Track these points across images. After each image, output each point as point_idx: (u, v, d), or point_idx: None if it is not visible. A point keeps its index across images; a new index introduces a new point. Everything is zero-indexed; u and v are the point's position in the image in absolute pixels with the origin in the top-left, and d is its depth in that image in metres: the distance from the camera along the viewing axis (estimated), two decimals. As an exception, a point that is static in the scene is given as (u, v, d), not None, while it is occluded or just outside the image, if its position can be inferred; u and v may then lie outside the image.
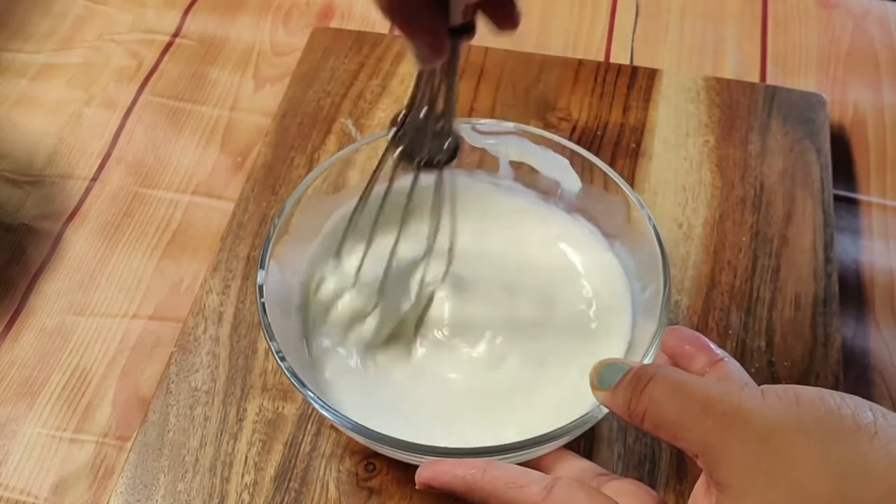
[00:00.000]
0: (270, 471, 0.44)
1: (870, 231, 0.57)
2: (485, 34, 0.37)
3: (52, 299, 0.54)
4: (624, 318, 0.46)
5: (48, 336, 0.52)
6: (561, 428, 0.38)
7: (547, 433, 0.38)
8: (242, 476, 0.44)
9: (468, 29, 0.36)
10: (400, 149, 0.41)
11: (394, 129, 0.41)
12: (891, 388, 0.50)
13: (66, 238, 0.56)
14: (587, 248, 0.49)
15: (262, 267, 0.43)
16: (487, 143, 0.49)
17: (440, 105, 0.40)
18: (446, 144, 0.42)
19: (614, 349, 0.45)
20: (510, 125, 0.49)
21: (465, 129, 0.49)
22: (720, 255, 0.52)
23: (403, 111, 0.41)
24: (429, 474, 0.36)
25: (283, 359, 0.40)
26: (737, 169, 0.56)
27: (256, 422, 0.46)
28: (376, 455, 0.45)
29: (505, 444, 0.37)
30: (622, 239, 0.47)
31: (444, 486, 0.35)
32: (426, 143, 0.41)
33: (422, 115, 0.40)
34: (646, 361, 0.40)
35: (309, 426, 0.46)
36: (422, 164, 0.42)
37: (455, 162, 0.43)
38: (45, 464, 0.47)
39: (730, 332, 0.49)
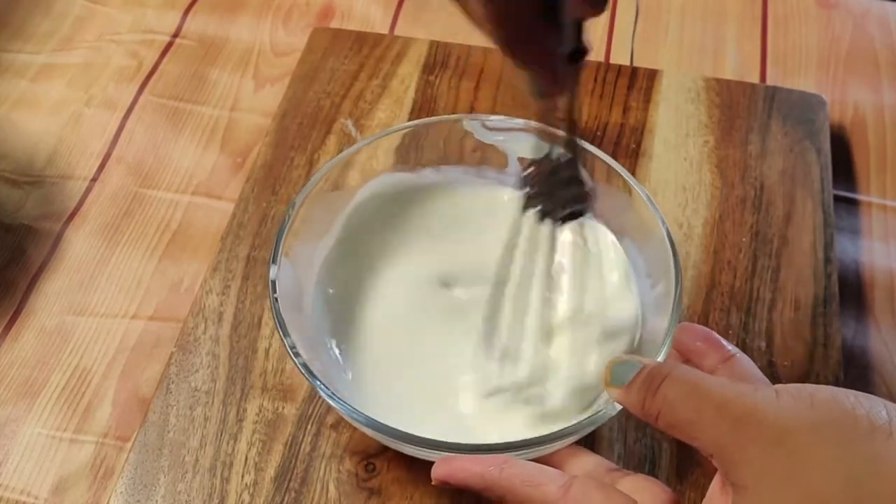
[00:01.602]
0: (270, 471, 0.44)
1: (870, 231, 0.57)
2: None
3: (52, 299, 0.53)
4: (633, 315, 0.46)
5: (48, 336, 0.52)
6: (573, 425, 0.38)
7: (559, 430, 0.38)
8: (242, 476, 0.44)
9: (582, 51, 0.34)
10: (536, 209, 0.40)
11: (526, 189, 0.40)
12: (891, 388, 0.50)
13: (66, 238, 0.56)
14: (595, 245, 0.49)
15: (274, 262, 0.42)
16: (497, 139, 0.50)
17: (562, 151, 0.38)
18: (579, 192, 0.39)
19: (624, 347, 0.45)
20: (520, 122, 0.49)
21: (474, 124, 0.49)
22: (720, 256, 0.52)
23: (530, 167, 0.39)
24: (445, 471, 0.36)
25: (297, 354, 0.40)
26: (737, 169, 0.56)
27: (256, 422, 0.46)
28: (376, 455, 0.45)
29: (516, 441, 0.37)
30: (631, 236, 0.47)
31: (460, 482, 0.35)
32: (558, 196, 0.39)
33: (548, 166, 0.39)
34: (658, 359, 0.40)
35: (309, 426, 0.46)
36: (559, 219, 0.40)
37: (589, 212, 0.41)
38: (45, 464, 0.47)
39: (730, 332, 0.49)
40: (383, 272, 0.48)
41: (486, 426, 0.43)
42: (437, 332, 0.46)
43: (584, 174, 0.40)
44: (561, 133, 0.39)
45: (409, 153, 0.49)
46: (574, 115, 0.38)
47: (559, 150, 0.39)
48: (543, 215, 0.40)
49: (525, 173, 0.40)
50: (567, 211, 0.40)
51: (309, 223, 0.46)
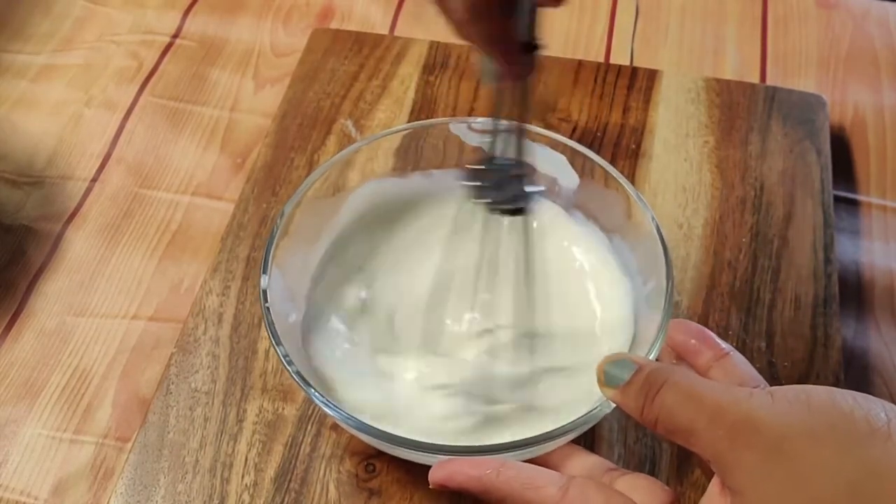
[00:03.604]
0: (270, 472, 0.44)
1: (870, 232, 0.56)
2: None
3: (52, 300, 0.53)
4: (625, 312, 0.46)
5: (48, 337, 0.52)
6: (569, 423, 0.38)
7: (554, 429, 0.38)
8: (242, 477, 0.44)
9: (536, 45, 0.36)
10: (483, 200, 0.41)
11: (474, 183, 0.40)
12: (891, 388, 0.50)
13: (66, 239, 0.56)
14: (586, 244, 0.49)
15: (264, 271, 0.42)
16: (483, 141, 0.49)
17: (514, 149, 0.40)
18: (524, 188, 0.41)
19: (617, 343, 0.45)
20: (504, 123, 0.48)
21: (460, 127, 0.49)
22: (720, 256, 0.52)
23: (481, 163, 0.40)
24: (443, 475, 0.35)
25: (290, 363, 0.40)
26: (737, 170, 0.56)
27: (256, 423, 0.46)
28: (376, 456, 0.45)
29: (512, 442, 0.37)
30: (622, 233, 0.47)
31: (458, 486, 0.35)
32: (506, 191, 0.40)
33: (497, 161, 0.40)
34: (652, 355, 0.40)
35: (309, 427, 0.46)
36: (505, 212, 0.41)
37: (530, 207, 0.41)
38: (44, 465, 0.47)
39: (730, 332, 0.49)
40: (374, 278, 0.48)
41: (481, 427, 0.43)
42: (425, 332, 0.46)
43: (530, 170, 0.41)
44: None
45: (407, 156, 0.49)
46: (526, 107, 0.38)
47: (508, 145, 0.40)
48: (491, 208, 0.41)
49: (474, 166, 0.41)
50: (512, 206, 0.41)
51: (299, 231, 0.45)
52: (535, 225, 0.47)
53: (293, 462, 0.45)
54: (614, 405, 0.37)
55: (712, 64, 0.65)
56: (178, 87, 0.64)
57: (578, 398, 0.42)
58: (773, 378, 0.48)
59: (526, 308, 0.46)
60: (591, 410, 0.38)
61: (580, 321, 0.47)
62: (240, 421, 0.46)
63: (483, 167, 0.40)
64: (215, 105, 0.63)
